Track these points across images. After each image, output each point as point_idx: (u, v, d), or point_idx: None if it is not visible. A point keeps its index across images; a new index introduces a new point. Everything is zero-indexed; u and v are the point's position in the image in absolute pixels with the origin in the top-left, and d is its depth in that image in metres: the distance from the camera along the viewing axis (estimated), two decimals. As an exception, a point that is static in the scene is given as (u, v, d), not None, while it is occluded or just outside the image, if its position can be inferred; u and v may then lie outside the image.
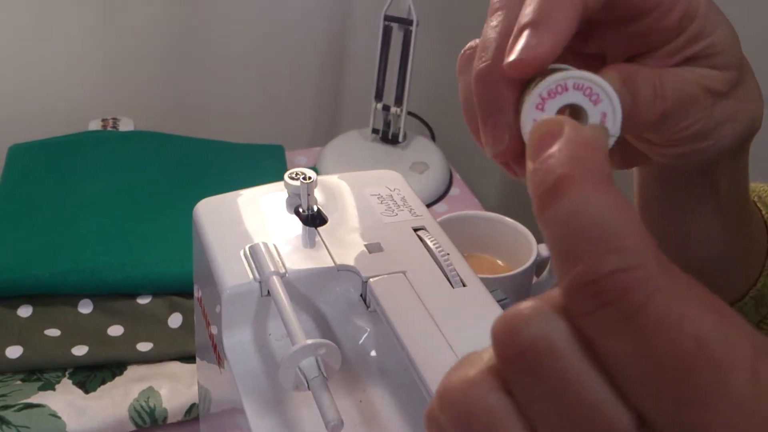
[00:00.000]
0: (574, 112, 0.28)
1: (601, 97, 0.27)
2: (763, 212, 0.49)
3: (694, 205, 0.43)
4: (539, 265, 0.74)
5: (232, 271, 0.39)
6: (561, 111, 0.28)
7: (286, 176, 0.44)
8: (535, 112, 0.28)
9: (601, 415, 0.21)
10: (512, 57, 0.29)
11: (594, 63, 0.35)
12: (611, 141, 0.28)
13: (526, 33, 0.29)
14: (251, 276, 0.39)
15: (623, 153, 0.40)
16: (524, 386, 0.22)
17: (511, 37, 0.29)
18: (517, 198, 1.19)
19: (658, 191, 0.44)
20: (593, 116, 0.27)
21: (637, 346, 0.20)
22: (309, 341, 0.33)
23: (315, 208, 0.44)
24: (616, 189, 0.21)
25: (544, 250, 0.74)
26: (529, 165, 0.22)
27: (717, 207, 0.43)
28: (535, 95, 0.28)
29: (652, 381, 0.20)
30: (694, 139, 0.36)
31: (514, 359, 0.22)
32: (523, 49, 0.29)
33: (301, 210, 0.44)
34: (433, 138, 1.06)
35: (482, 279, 0.67)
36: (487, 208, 0.96)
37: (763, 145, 0.42)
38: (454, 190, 0.99)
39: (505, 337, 0.22)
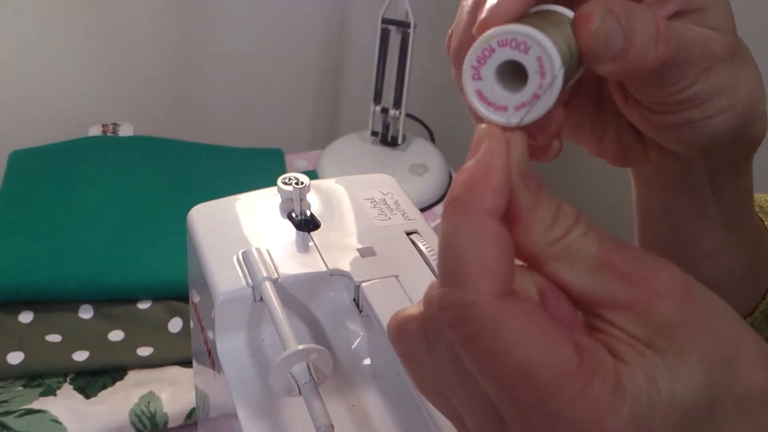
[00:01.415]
0: (519, 67, 0.27)
1: (528, 44, 0.26)
2: (766, 223, 0.48)
3: (699, 219, 0.42)
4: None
5: (225, 277, 0.39)
6: (500, 69, 0.27)
7: (279, 181, 0.44)
8: (474, 83, 0.27)
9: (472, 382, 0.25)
10: (478, 20, 0.29)
11: None
12: (557, 83, 0.26)
13: None
14: (244, 282, 0.39)
15: (618, 143, 0.39)
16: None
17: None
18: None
19: (661, 207, 0.43)
20: (530, 65, 0.26)
21: (472, 364, 0.24)
22: (300, 346, 0.34)
23: (308, 213, 0.44)
24: (488, 222, 0.24)
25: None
26: None
27: (724, 220, 0.42)
28: (467, 67, 0.27)
29: (488, 389, 0.24)
30: (687, 104, 0.34)
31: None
32: (486, 10, 0.29)
33: (294, 215, 0.44)
34: (433, 140, 1.06)
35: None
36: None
37: (760, 154, 0.40)
38: (454, 192, 0.99)
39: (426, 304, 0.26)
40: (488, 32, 0.27)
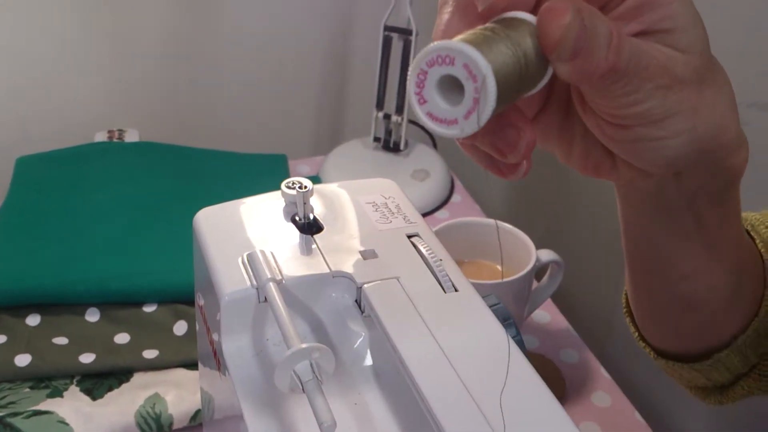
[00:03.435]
0: (457, 80, 0.28)
1: (452, 55, 0.28)
2: (758, 242, 0.48)
3: (680, 241, 0.42)
4: (539, 271, 0.75)
5: (230, 279, 0.40)
6: (444, 87, 0.28)
7: (282, 185, 0.45)
8: (422, 107, 0.29)
9: None
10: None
11: None
12: (489, 81, 0.28)
13: None
14: (249, 283, 0.40)
15: (586, 154, 0.38)
16: None
17: None
18: (517, 205, 1.20)
19: (639, 223, 0.43)
20: (460, 74, 0.28)
21: None
22: (303, 345, 0.34)
23: (311, 216, 0.45)
24: None
25: (543, 255, 0.75)
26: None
27: (706, 242, 0.42)
28: (412, 94, 0.29)
29: None
30: (643, 120, 0.33)
31: None
32: (438, 32, 0.31)
33: (297, 218, 0.45)
34: (435, 146, 1.07)
35: (482, 284, 0.68)
36: (488, 215, 0.97)
37: (748, 172, 0.39)
38: (456, 197, 1.00)
39: None
40: (417, 57, 0.29)
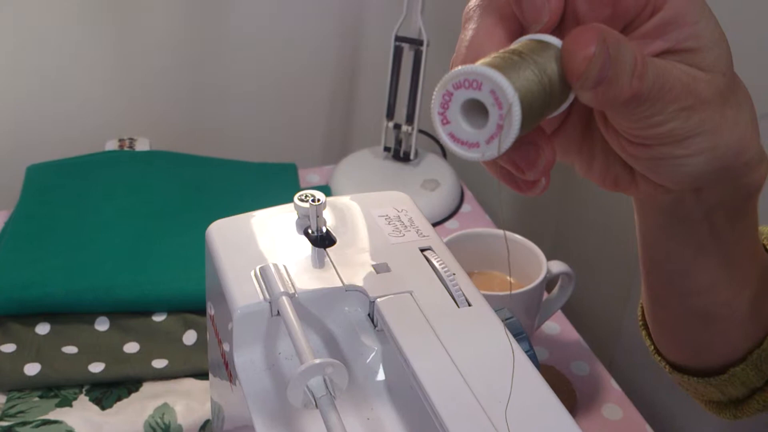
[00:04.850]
0: (482, 104, 0.28)
1: (479, 80, 0.28)
2: None
3: (696, 254, 0.42)
4: (549, 282, 0.75)
5: (243, 292, 0.40)
6: (468, 109, 0.28)
7: (295, 198, 0.45)
8: (444, 128, 0.29)
9: None
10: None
11: None
12: (514, 110, 0.27)
13: None
14: (261, 296, 0.40)
15: (606, 169, 0.39)
16: None
17: None
18: (527, 215, 1.20)
19: (655, 235, 0.43)
20: (486, 99, 0.28)
21: None
22: (317, 360, 0.34)
23: (324, 230, 0.45)
24: None
25: (554, 267, 0.75)
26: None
27: (722, 257, 0.42)
28: (435, 114, 0.29)
29: None
30: (665, 140, 0.33)
31: None
32: (464, 49, 0.32)
33: (310, 231, 0.45)
34: (444, 155, 1.07)
35: (493, 296, 0.68)
36: (498, 225, 0.97)
37: (766, 186, 0.39)
38: (466, 207, 1.00)
39: None
40: (443, 78, 0.28)
